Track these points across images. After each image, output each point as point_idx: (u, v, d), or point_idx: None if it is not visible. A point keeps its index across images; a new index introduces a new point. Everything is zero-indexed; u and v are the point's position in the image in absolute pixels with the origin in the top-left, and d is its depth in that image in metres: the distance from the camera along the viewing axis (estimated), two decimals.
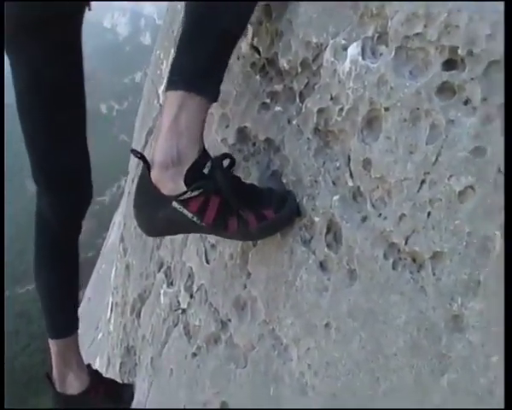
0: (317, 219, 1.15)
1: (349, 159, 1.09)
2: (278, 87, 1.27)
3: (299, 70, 1.20)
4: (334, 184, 1.13)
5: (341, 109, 1.09)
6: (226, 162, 1.16)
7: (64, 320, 1.80)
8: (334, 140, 1.13)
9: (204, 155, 1.13)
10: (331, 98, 1.11)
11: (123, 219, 2.55)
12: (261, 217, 1.15)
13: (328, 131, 1.14)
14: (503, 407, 0.79)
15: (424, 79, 0.94)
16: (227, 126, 1.41)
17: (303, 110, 1.18)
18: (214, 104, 1.17)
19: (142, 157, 1.14)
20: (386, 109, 0.98)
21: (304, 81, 1.20)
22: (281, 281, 1.24)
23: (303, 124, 1.18)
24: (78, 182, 1.71)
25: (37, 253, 1.81)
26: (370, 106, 1.02)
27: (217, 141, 1.44)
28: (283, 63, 1.23)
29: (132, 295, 2.12)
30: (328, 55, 1.11)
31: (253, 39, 1.34)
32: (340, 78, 1.08)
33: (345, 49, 1.09)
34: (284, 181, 1.23)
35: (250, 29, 1.35)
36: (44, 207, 1.71)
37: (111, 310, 2.58)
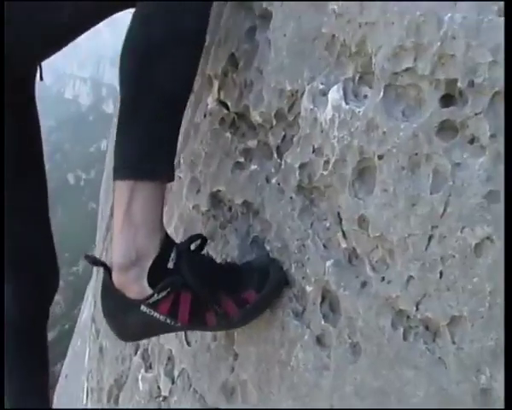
0: (309, 288, 1.00)
1: (339, 217, 0.96)
2: (252, 143, 1.15)
3: (274, 122, 1.08)
4: (325, 247, 0.99)
5: (327, 162, 0.96)
6: (196, 244, 1.05)
7: None
8: (321, 197, 1.00)
9: (166, 245, 1.00)
10: (313, 151, 0.99)
11: (93, 298, 2.37)
12: (242, 302, 1.03)
13: (313, 188, 1.01)
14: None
15: (420, 119, 0.82)
16: (198, 191, 1.27)
17: (282, 166, 1.05)
18: (183, 167, 1.04)
19: (97, 262, 1.02)
20: (380, 158, 0.86)
21: (280, 134, 1.07)
22: (273, 361, 1.08)
23: (283, 182, 1.05)
24: (44, 261, 1.56)
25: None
26: (360, 155, 0.89)
27: (188, 208, 1.31)
28: (255, 116, 1.10)
29: (108, 381, 1.93)
30: (305, 103, 0.99)
31: (219, 93, 1.22)
32: (323, 127, 0.96)
33: (324, 94, 0.97)
34: (268, 248, 1.09)
35: (215, 83, 1.23)
36: (7, 299, 1.55)
37: (87, 396, 2.38)
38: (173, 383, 1.41)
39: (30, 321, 1.59)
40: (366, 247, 0.91)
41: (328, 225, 0.99)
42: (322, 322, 0.99)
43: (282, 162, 1.05)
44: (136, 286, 0.97)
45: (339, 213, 0.97)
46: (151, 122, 0.97)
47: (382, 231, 0.86)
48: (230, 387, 1.20)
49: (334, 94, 0.94)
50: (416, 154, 0.82)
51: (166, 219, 1.37)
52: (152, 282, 0.97)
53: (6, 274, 1.52)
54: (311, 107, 0.98)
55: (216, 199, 1.23)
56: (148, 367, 1.58)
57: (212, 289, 1.01)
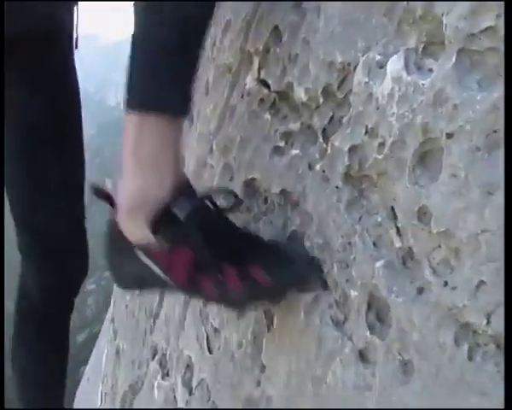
0: (353, 292, 0.86)
1: (393, 211, 0.82)
2: (294, 126, 1.01)
3: (321, 100, 0.94)
4: (375, 245, 0.84)
5: (382, 144, 0.81)
6: (228, 201, 0.95)
7: None
8: (372, 187, 0.86)
9: (182, 191, 0.88)
10: (366, 132, 0.84)
11: (113, 297, 2.25)
12: (245, 275, 0.90)
13: (363, 176, 0.87)
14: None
15: (501, 89, 0.67)
16: (231, 179, 1.14)
17: (328, 151, 0.91)
18: (215, 154, 0.91)
19: (107, 197, 0.92)
20: (449, 136, 0.71)
21: (327, 114, 0.93)
22: (306, 376, 0.93)
23: (329, 169, 0.91)
24: (72, 247, 1.45)
25: (17, 340, 1.54)
26: (424, 135, 0.75)
27: None
28: (300, 94, 0.96)
29: (123, 386, 1.80)
30: (359, 76, 0.85)
31: (259, 72, 1.09)
32: (379, 103, 0.81)
33: (381, 66, 0.83)
34: (307, 245, 0.94)
35: (256, 60, 1.09)
36: (30, 282, 1.44)
37: (101, 400, 2.26)
38: (191, 393, 1.27)
39: (52, 308, 1.47)
40: (426, 246, 0.76)
41: (379, 219, 0.84)
42: (368, 334, 0.84)
43: (329, 146, 0.91)
44: (138, 231, 0.88)
45: (393, 207, 0.82)
46: (162, 52, 0.86)
47: (448, 226, 0.71)
48: (255, 403, 1.05)
49: (395, 64, 0.80)
50: (495, 131, 0.67)
51: None
52: (155, 231, 0.87)
53: (31, 252, 1.41)
54: (366, 80, 0.84)
55: (250, 188, 1.09)
56: (166, 374, 1.45)
57: (216, 253, 0.89)
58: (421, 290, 0.76)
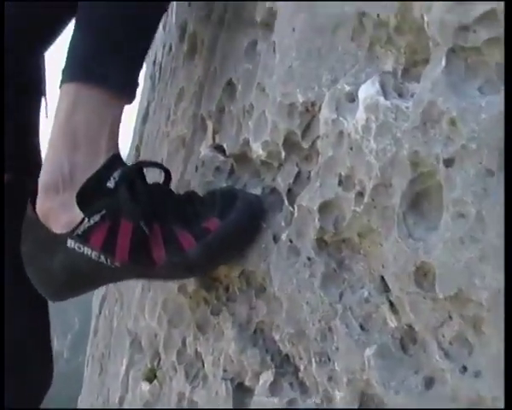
0: (339, 393, 0.64)
1: (384, 280, 0.62)
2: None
3: (283, 155, 0.75)
4: (362, 328, 0.63)
5: (361, 194, 0.62)
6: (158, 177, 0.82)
7: None
8: (354, 253, 0.66)
9: (111, 163, 0.75)
10: (340, 181, 0.65)
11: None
12: (201, 232, 0.74)
13: (341, 241, 0.67)
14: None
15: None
16: None
17: (295, 215, 0.72)
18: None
19: (14, 178, 0.84)
20: (449, 163, 0.52)
21: (292, 171, 0.75)
22: None
23: (298, 237, 0.71)
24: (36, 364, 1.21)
25: None
26: (415, 170, 0.56)
27: (173, 291, 0.96)
28: (258, 150, 0.78)
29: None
30: (326, 113, 0.67)
31: (214, 138, 0.91)
32: (353, 140, 0.63)
33: (352, 99, 0.65)
34: (277, 337, 0.73)
35: (209, 124, 0.92)
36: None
37: None
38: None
39: None
40: (431, 319, 0.55)
41: (366, 294, 0.64)
42: None
43: (295, 209, 0.72)
44: (64, 214, 0.74)
45: (383, 277, 0.62)
46: (110, 21, 0.77)
47: (460, 287, 0.51)
48: None
49: (368, 89, 0.62)
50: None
51: (148, 308, 1.03)
52: (83, 208, 0.73)
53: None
54: (334, 116, 0.66)
55: (208, 276, 0.88)
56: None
57: (159, 219, 0.75)
58: (430, 382, 0.55)
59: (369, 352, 0.61)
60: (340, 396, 0.64)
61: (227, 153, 0.87)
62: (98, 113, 0.75)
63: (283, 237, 0.73)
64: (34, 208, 0.76)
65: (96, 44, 0.77)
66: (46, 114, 1.12)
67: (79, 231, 0.72)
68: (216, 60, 0.93)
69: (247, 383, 0.79)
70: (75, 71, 0.76)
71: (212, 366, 0.84)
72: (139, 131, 1.42)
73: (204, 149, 0.93)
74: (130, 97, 0.80)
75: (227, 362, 0.81)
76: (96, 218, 0.72)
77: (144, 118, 1.38)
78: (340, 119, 0.65)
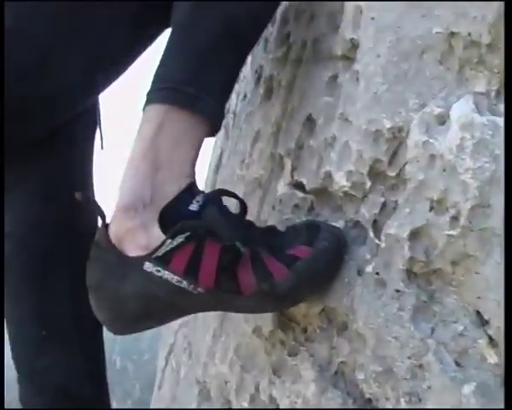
0: None
1: (481, 314, 0.57)
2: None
3: (369, 185, 0.72)
4: (458, 364, 0.58)
5: (456, 218, 0.58)
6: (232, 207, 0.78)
7: None
8: (447, 285, 0.61)
9: (192, 188, 0.73)
10: (432, 207, 0.62)
11: None
12: (290, 259, 0.71)
13: (432, 272, 0.63)
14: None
15: None
16: None
17: (382, 245, 0.68)
18: None
19: (89, 202, 0.78)
20: None
21: (378, 202, 0.71)
22: None
23: (385, 268, 0.67)
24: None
25: None
26: None
27: (248, 334, 0.92)
28: (341, 182, 0.76)
29: None
30: (415, 136, 0.64)
31: (292, 175, 0.89)
32: (446, 161, 0.60)
33: (442, 122, 0.62)
34: (361, 377, 0.68)
35: (287, 162, 0.91)
36: None
37: None
38: None
39: None
40: None
41: (460, 328, 0.59)
42: None
43: (382, 239, 0.68)
44: (141, 236, 0.69)
45: (477, 311, 0.57)
46: (207, 46, 0.76)
47: None
48: None
49: (462, 107, 0.60)
50: None
51: (220, 355, 0.99)
52: (164, 230, 0.70)
53: None
54: (425, 138, 0.63)
55: (285, 317, 0.84)
56: None
57: (246, 243, 0.70)
58: None
59: (467, 390, 0.56)
60: None
61: (307, 188, 0.85)
62: (185, 137, 0.74)
63: (369, 269, 0.69)
64: (107, 230, 0.72)
65: (193, 68, 0.75)
66: (101, 145, 1.13)
67: (159, 253, 0.68)
68: (294, 98, 0.92)
69: None
70: (167, 93, 0.74)
71: None
72: (211, 181, 1.41)
73: (282, 188, 0.91)
74: (216, 126, 0.79)
75: (305, 406, 0.76)
76: (180, 239, 0.68)
77: (217, 166, 1.38)
78: (431, 141, 0.62)
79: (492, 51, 0.60)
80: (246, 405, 0.90)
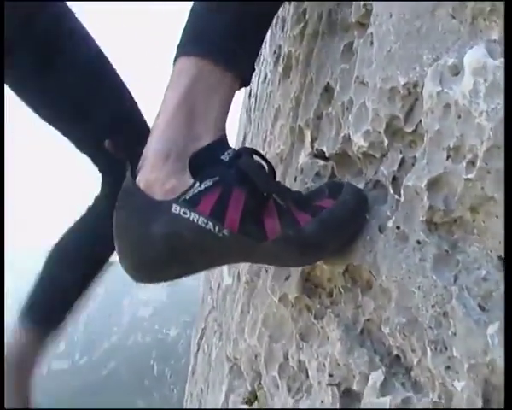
0: (458, 384, 0.58)
1: (502, 258, 0.57)
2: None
3: (386, 143, 0.73)
4: (482, 308, 0.58)
5: (472, 163, 0.59)
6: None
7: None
8: (468, 234, 0.62)
9: (225, 141, 0.75)
10: (449, 156, 0.62)
11: None
12: (316, 210, 0.72)
13: (453, 221, 0.63)
14: None
15: None
16: (287, 278, 0.91)
17: (402, 199, 0.69)
18: None
19: (117, 151, 0.76)
20: None
21: (396, 158, 0.72)
22: None
23: (406, 221, 0.68)
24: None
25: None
26: None
27: (274, 304, 0.93)
28: (359, 142, 0.77)
29: None
30: (430, 88, 0.65)
31: (312, 144, 0.91)
32: (460, 107, 0.60)
33: (456, 72, 0.63)
34: (387, 331, 0.69)
35: (307, 132, 0.92)
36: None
37: None
38: None
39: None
40: None
41: (483, 273, 0.59)
42: None
43: (401, 194, 0.69)
44: (172, 179, 0.70)
45: (500, 256, 0.58)
46: (240, 8, 0.78)
47: None
48: None
49: (474, 53, 0.60)
50: None
51: (248, 328, 1.01)
52: (194, 174, 0.71)
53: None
54: (439, 89, 0.63)
55: (310, 282, 0.85)
56: None
57: (274, 193, 0.73)
58: None
59: (491, 330, 0.56)
60: (460, 386, 0.59)
61: (327, 155, 0.86)
62: (219, 89, 0.75)
63: (389, 224, 0.70)
64: (134, 177, 0.73)
65: (231, 24, 0.77)
66: None
67: (187, 196, 0.69)
68: (311, 71, 0.94)
69: (354, 387, 0.74)
70: (204, 46, 0.75)
71: (316, 373, 0.80)
72: None
73: (303, 158, 0.92)
74: (247, 81, 0.81)
75: (333, 367, 0.77)
76: (208, 183, 0.70)
77: None
78: (446, 90, 0.63)
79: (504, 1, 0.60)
80: (275, 374, 0.91)
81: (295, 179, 0.93)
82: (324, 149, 0.86)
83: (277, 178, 1.00)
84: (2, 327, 1.17)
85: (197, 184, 0.70)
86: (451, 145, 0.62)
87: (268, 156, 1.08)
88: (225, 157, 0.73)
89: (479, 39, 0.63)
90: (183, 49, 0.76)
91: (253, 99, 1.36)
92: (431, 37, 0.68)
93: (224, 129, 0.76)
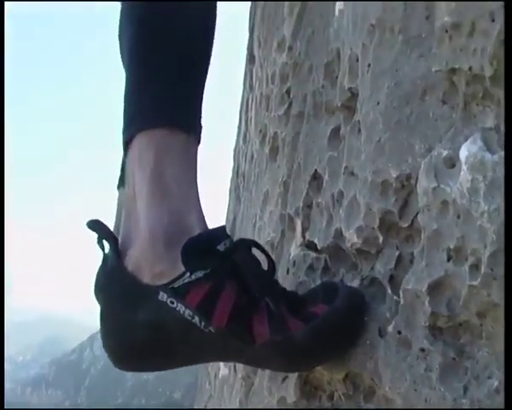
0: None
1: None
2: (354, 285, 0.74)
3: (381, 239, 0.69)
4: None
5: (475, 266, 0.54)
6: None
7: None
8: (475, 338, 0.57)
9: (221, 231, 0.71)
10: (449, 257, 0.57)
11: None
12: (309, 316, 0.68)
13: (457, 325, 0.58)
14: None
15: None
16: (284, 379, 0.85)
17: (401, 302, 0.64)
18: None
19: (103, 232, 0.73)
20: None
21: (392, 255, 0.68)
22: None
23: (407, 327, 0.63)
24: None
25: None
26: None
27: (272, 405, 0.87)
28: (352, 238, 0.72)
29: None
30: (424, 184, 0.61)
31: (304, 234, 0.86)
32: (459, 206, 0.56)
33: (452, 164, 0.59)
34: None
35: (298, 222, 0.88)
36: None
37: None
38: None
39: None
40: None
41: (495, 384, 0.54)
42: None
43: (401, 295, 0.64)
44: (163, 264, 0.68)
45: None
46: (172, 79, 0.76)
47: None
48: None
49: (470, 147, 0.56)
50: None
51: None
52: (185, 262, 0.67)
53: None
54: (435, 185, 0.59)
55: (309, 385, 0.80)
56: None
57: (267, 294, 0.68)
58: None
59: None
60: None
61: (319, 247, 0.81)
62: (187, 161, 0.75)
63: (390, 328, 0.65)
64: (119, 257, 0.71)
65: (170, 95, 0.76)
66: None
67: (176, 285, 0.66)
68: (299, 155, 0.90)
69: None
70: (157, 117, 0.74)
71: None
72: None
73: (294, 250, 0.88)
74: (200, 139, 0.79)
75: None
76: (199, 274, 0.66)
77: (232, 231, 1.35)
78: (442, 186, 0.58)
79: (497, 83, 0.56)
80: None
81: (287, 271, 0.88)
82: (316, 241, 0.81)
83: None
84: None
85: (187, 274, 0.67)
86: (452, 247, 0.57)
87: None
88: (221, 247, 0.69)
89: (473, 126, 0.59)
90: (137, 125, 0.74)
91: (241, 178, 1.32)
92: (422, 124, 0.64)
93: (199, 204, 0.75)
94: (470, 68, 0.58)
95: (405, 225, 0.65)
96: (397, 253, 0.67)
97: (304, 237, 0.86)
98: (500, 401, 0.53)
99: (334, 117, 0.83)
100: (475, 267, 0.55)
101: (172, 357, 0.71)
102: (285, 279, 0.88)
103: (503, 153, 0.53)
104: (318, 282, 0.81)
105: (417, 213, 0.63)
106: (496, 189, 0.52)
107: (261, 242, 1.03)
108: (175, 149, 0.73)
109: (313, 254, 0.83)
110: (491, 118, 0.58)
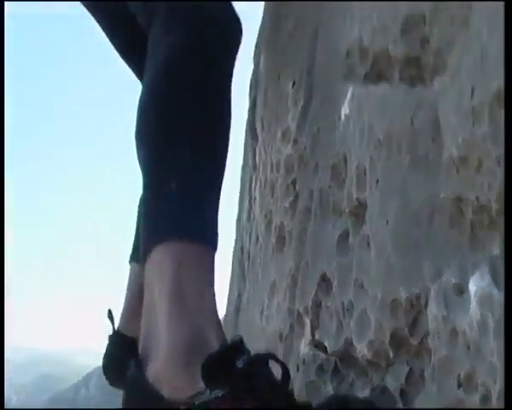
0: None
1: None
2: (363, 395, 0.76)
3: (392, 354, 0.71)
4: None
5: (486, 397, 0.56)
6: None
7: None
8: None
9: (232, 345, 0.72)
10: (460, 384, 0.60)
11: None
12: None
13: None
14: None
15: None
16: None
17: None
18: None
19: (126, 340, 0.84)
20: None
21: (403, 371, 0.69)
22: None
23: None
24: None
25: None
26: None
27: None
28: (363, 351, 0.74)
29: None
30: (434, 311, 0.63)
31: (313, 334, 0.88)
32: (469, 339, 0.58)
33: (461, 292, 0.61)
34: None
35: (307, 320, 0.90)
36: None
37: None
38: None
39: None
40: None
41: None
42: None
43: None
44: (183, 378, 0.70)
45: None
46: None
47: None
48: None
49: (478, 282, 0.58)
50: None
51: None
52: (205, 379, 0.68)
53: None
54: (444, 313, 0.62)
55: None
56: None
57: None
58: None
59: None
60: None
61: (329, 351, 0.83)
62: (205, 273, 0.78)
63: None
64: (141, 368, 0.74)
65: (193, 201, 0.81)
66: None
67: (196, 401, 0.67)
68: (306, 253, 0.92)
69: None
70: (173, 230, 0.78)
71: None
72: (233, 323, 1.40)
73: (304, 347, 0.89)
74: (216, 246, 0.82)
75: None
76: (218, 393, 0.67)
77: (237, 308, 1.37)
78: (451, 316, 0.61)
79: (503, 215, 0.59)
80: None
81: (298, 369, 0.89)
82: (326, 344, 0.83)
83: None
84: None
85: (208, 391, 0.67)
86: (462, 374, 0.59)
87: (267, 332, 1.05)
88: (240, 363, 0.70)
89: (480, 255, 0.61)
90: (155, 238, 0.78)
91: (246, 255, 1.34)
92: (430, 247, 0.67)
93: (218, 315, 0.78)
94: (477, 198, 0.61)
95: (415, 342, 0.68)
96: (407, 368, 0.69)
97: (313, 335, 0.88)
98: None
99: (342, 220, 0.85)
100: (486, 398, 0.57)
101: None
102: (296, 377, 0.89)
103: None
104: (328, 383, 0.83)
105: (427, 333, 0.66)
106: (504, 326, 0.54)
107: (269, 330, 1.05)
108: (193, 261, 0.76)
109: (323, 355, 0.85)
110: (498, 244, 0.60)
